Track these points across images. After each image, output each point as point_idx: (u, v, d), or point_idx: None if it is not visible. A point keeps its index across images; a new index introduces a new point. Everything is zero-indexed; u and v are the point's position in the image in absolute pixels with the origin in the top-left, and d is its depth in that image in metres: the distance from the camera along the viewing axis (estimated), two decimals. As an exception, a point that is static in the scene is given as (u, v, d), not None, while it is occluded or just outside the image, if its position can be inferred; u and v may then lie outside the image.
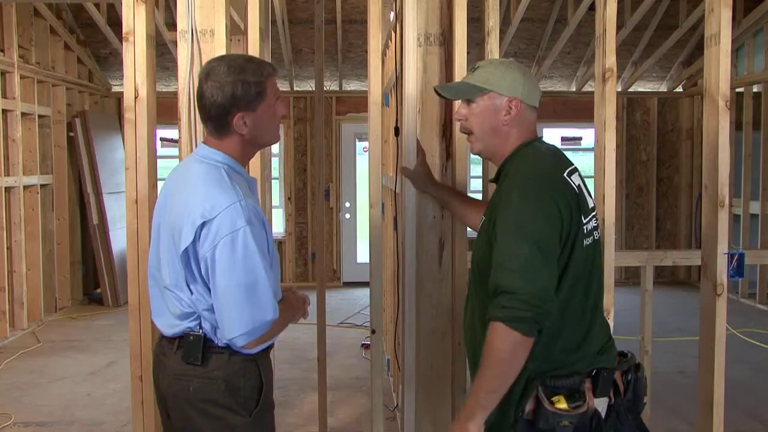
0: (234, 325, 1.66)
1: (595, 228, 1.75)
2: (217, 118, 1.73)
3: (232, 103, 1.70)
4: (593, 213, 1.75)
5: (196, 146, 2.27)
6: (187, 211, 1.67)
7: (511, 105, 1.78)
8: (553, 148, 1.83)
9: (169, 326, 1.77)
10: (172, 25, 5.09)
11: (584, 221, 1.69)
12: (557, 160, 1.77)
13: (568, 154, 1.88)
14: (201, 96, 1.73)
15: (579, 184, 1.72)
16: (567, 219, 1.64)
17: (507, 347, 1.54)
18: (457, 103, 1.91)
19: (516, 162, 1.77)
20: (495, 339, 1.55)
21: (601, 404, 1.69)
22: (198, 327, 1.74)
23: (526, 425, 1.62)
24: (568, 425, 1.59)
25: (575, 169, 1.76)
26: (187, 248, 1.67)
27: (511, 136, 1.80)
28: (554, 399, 1.61)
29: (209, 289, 1.68)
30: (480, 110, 1.81)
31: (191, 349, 1.73)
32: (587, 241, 1.69)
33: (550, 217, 1.61)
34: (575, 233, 1.66)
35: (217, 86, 1.70)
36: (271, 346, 1.87)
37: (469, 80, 1.84)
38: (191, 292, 1.72)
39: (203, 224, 1.64)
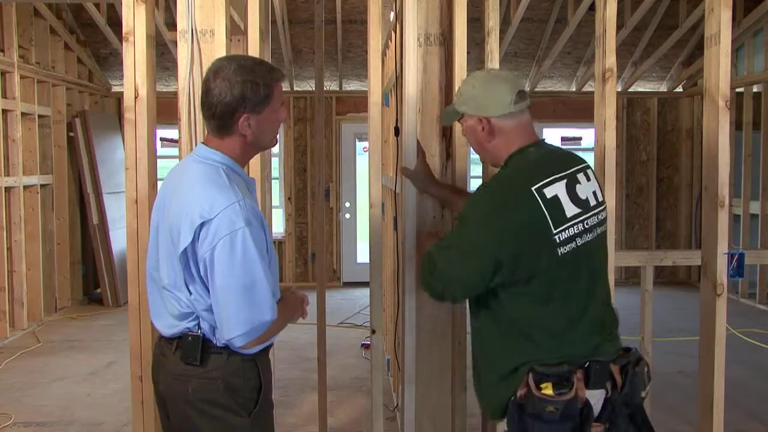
0: (232, 325, 1.66)
1: (579, 234, 1.72)
2: (221, 116, 1.71)
3: (240, 103, 1.69)
4: (576, 220, 1.71)
5: (196, 146, 2.27)
6: (185, 211, 1.67)
7: (482, 122, 1.82)
8: (543, 154, 1.81)
9: (168, 327, 1.77)
10: (172, 25, 5.09)
11: (555, 232, 1.68)
12: (542, 168, 1.75)
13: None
14: (208, 93, 1.71)
15: (555, 195, 1.70)
16: (516, 234, 1.67)
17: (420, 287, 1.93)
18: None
19: (506, 168, 1.82)
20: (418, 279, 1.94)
21: (596, 396, 1.71)
22: (197, 327, 1.73)
23: (518, 408, 1.70)
24: (554, 411, 1.65)
25: (563, 176, 1.73)
26: (186, 248, 1.66)
27: (500, 146, 1.83)
28: (542, 385, 1.68)
29: (208, 290, 1.68)
30: (465, 131, 1.90)
31: (190, 350, 1.73)
32: (564, 250, 1.69)
33: (489, 228, 1.70)
34: (537, 248, 1.67)
35: (226, 85, 1.68)
36: (270, 346, 1.87)
37: (454, 102, 1.92)
38: (190, 293, 1.71)
39: (202, 224, 1.64)
